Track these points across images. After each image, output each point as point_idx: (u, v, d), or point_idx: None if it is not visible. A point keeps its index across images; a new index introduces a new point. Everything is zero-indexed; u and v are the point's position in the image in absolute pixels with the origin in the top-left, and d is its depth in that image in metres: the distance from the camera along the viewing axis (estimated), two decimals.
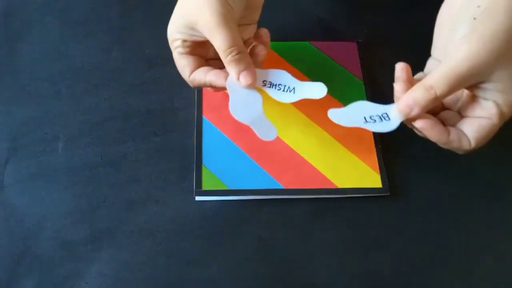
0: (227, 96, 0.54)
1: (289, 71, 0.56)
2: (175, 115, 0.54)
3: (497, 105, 0.41)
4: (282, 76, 0.48)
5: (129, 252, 0.47)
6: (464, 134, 0.42)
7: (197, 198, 0.49)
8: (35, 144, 0.53)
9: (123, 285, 0.46)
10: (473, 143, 0.42)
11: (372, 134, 0.53)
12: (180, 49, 0.48)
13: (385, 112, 0.45)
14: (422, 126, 0.42)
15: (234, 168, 0.51)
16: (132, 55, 0.58)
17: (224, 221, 0.49)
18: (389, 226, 0.49)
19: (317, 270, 0.47)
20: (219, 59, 0.46)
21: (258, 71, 0.48)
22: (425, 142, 0.53)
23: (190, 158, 0.52)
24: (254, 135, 0.52)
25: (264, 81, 0.48)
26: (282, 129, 0.53)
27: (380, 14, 0.62)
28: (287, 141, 0.52)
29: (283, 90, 0.48)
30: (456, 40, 0.41)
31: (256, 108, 0.48)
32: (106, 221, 0.49)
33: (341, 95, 0.55)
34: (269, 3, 0.62)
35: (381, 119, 0.45)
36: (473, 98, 0.42)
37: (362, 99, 0.54)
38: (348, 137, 0.52)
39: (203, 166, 0.51)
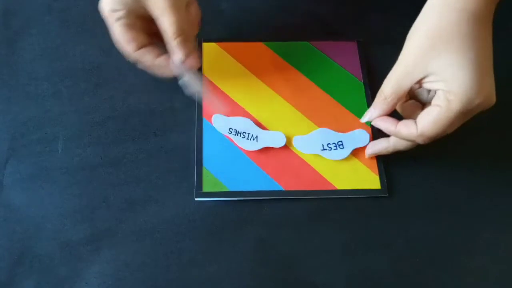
0: (227, 98, 0.54)
1: (289, 72, 0.56)
2: (175, 115, 0.54)
3: (444, 92, 0.43)
4: (246, 125, 0.52)
5: (129, 252, 0.48)
6: (413, 123, 0.45)
7: (198, 199, 0.50)
8: (35, 144, 0.53)
9: (123, 285, 0.46)
10: (419, 127, 0.44)
11: (371, 135, 0.53)
12: (125, 21, 0.47)
13: (341, 140, 0.51)
14: (374, 122, 0.48)
15: (234, 170, 0.51)
16: None
17: (224, 221, 0.49)
18: (388, 227, 0.49)
19: (316, 270, 0.47)
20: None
21: (225, 118, 0.52)
22: None
23: (190, 158, 0.52)
24: None
25: (230, 128, 0.52)
26: (281, 128, 0.53)
27: (380, 13, 0.62)
28: (286, 142, 0.52)
29: (247, 138, 0.51)
30: None
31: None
32: (106, 221, 0.49)
33: (341, 95, 0.55)
34: (267, 3, 0.62)
35: (336, 147, 0.51)
36: (430, 91, 0.46)
37: (362, 99, 0.55)
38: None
39: (203, 168, 0.51)
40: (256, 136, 0.52)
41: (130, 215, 0.49)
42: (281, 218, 0.49)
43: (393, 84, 0.45)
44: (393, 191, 0.50)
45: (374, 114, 0.48)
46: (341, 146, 0.51)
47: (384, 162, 0.52)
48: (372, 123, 0.49)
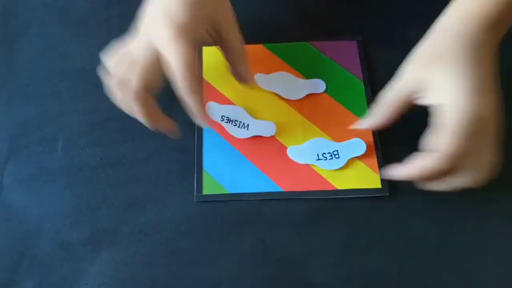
0: (227, 101, 0.54)
1: (287, 72, 0.56)
2: (175, 116, 0.54)
3: (439, 106, 0.44)
4: (238, 113, 0.53)
5: (129, 252, 0.48)
6: (429, 152, 0.44)
7: (198, 201, 0.50)
8: (34, 144, 0.53)
9: (123, 286, 0.46)
10: (440, 149, 0.43)
11: (371, 134, 0.53)
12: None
13: (336, 150, 0.51)
14: (396, 177, 0.47)
15: (234, 172, 0.51)
16: None
17: (223, 221, 0.49)
18: (388, 227, 0.49)
19: (316, 270, 0.47)
20: None
21: (218, 106, 0.53)
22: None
23: (190, 158, 0.52)
24: (254, 139, 0.53)
25: (222, 116, 0.53)
26: (281, 130, 0.53)
27: (380, 12, 0.61)
28: (286, 143, 0.52)
29: (238, 126, 0.52)
30: None
31: None
32: (105, 222, 0.49)
33: (340, 95, 0.55)
34: (265, 3, 0.62)
35: (332, 157, 0.50)
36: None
37: (362, 99, 0.55)
38: (347, 138, 0.52)
39: (203, 171, 0.51)
40: (248, 125, 0.52)
41: (130, 215, 0.49)
42: (281, 219, 0.49)
43: (392, 93, 0.47)
44: (394, 191, 0.50)
45: (372, 121, 0.49)
46: (336, 156, 0.51)
47: (385, 161, 0.51)
48: (394, 178, 0.47)
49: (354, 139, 0.52)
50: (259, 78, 0.56)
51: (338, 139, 0.52)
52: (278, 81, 0.55)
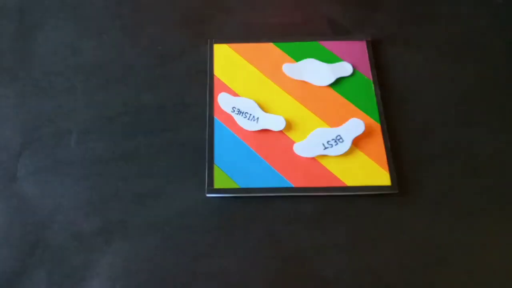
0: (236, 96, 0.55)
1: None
2: (186, 111, 0.55)
3: None
4: (250, 106, 0.54)
5: (139, 244, 0.48)
6: None
7: (209, 195, 0.50)
8: (48, 137, 0.53)
9: (133, 276, 0.47)
10: None
11: (381, 131, 0.53)
12: None
13: (339, 134, 0.52)
14: None
15: (244, 167, 0.51)
16: (144, 51, 0.59)
17: (233, 215, 0.50)
18: (397, 224, 0.49)
19: (324, 265, 0.47)
20: None
21: (230, 97, 0.54)
22: (434, 140, 0.53)
23: (201, 153, 0.52)
24: (264, 134, 0.53)
25: (233, 107, 0.54)
26: (291, 127, 0.53)
27: (389, 12, 0.62)
28: (296, 140, 0.53)
29: (248, 119, 0.53)
30: None
31: None
32: (117, 214, 0.49)
33: (351, 94, 0.55)
34: (276, 3, 0.63)
35: (337, 142, 0.51)
36: None
37: (372, 98, 0.55)
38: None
39: (214, 165, 0.51)
40: (257, 118, 0.53)
41: (141, 208, 0.50)
42: (290, 214, 0.50)
43: None
44: (404, 188, 0.51)
45: None
46: (340, 140, 0.52)
47: (394, 158, 0.52)
48: None
49: (351, 119, 0.53)
50: (287, 68, 0.56)
51: (336, 124, 0.53)
52: (306, 69, 0.56)
